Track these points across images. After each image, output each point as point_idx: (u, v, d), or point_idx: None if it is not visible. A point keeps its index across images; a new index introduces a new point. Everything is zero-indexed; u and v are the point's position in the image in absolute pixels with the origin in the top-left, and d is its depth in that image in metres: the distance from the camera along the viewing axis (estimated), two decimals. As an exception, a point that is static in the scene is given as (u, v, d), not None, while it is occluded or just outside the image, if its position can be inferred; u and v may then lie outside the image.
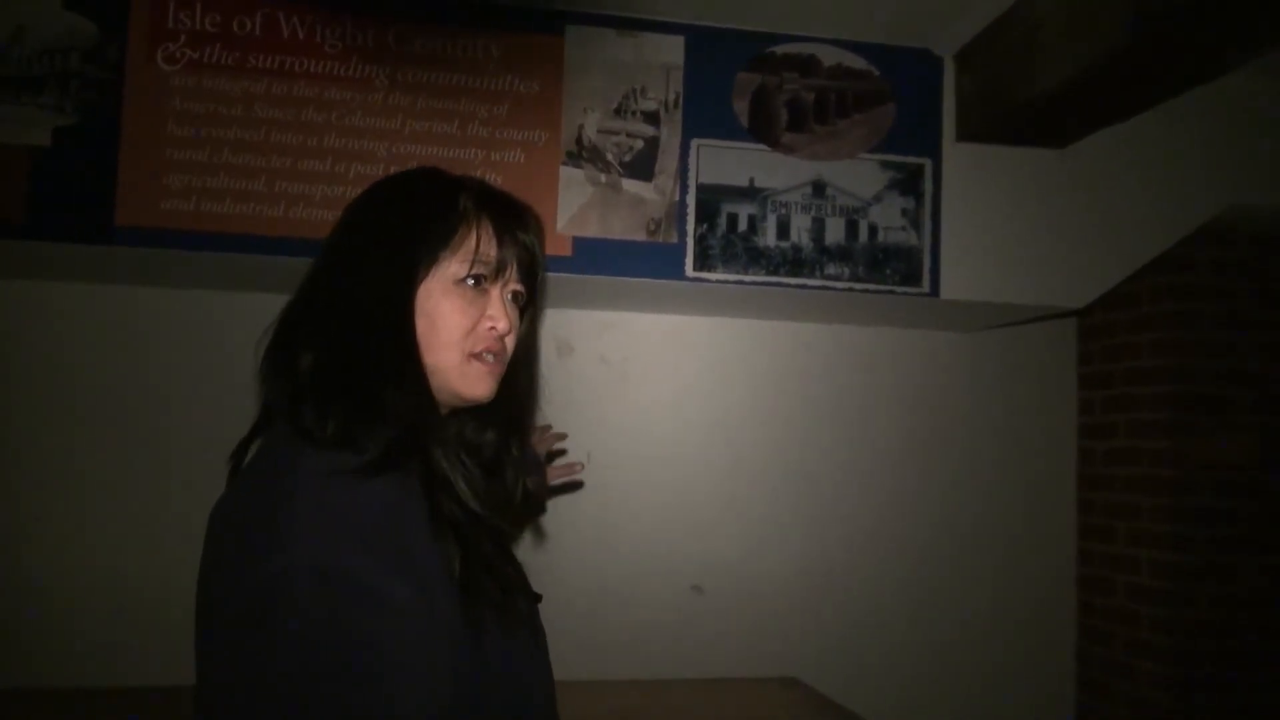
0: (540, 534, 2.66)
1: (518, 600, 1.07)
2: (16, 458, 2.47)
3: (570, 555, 2.69)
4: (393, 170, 2.13)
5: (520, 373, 1.20)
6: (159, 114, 2.11)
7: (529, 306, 1.20)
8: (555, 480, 1.86)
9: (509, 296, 1.14)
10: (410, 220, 1.09)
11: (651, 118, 2.29)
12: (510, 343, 1.14)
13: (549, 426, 1.84)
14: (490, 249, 1.10)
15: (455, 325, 1.08)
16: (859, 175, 2.36)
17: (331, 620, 0.87)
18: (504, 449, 1.18)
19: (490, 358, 1.11)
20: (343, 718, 0.86)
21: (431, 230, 1.08)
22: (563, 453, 2.13)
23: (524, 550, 2.58)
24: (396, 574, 0.91)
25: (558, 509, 2.70)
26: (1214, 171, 2.48)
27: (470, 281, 1.09)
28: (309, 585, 0.87)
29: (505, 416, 1.18)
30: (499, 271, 1.11)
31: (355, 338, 1.04)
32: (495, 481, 1.17)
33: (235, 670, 0.89)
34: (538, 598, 1.13)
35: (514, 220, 1.14)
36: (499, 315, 1.10)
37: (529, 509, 1.16)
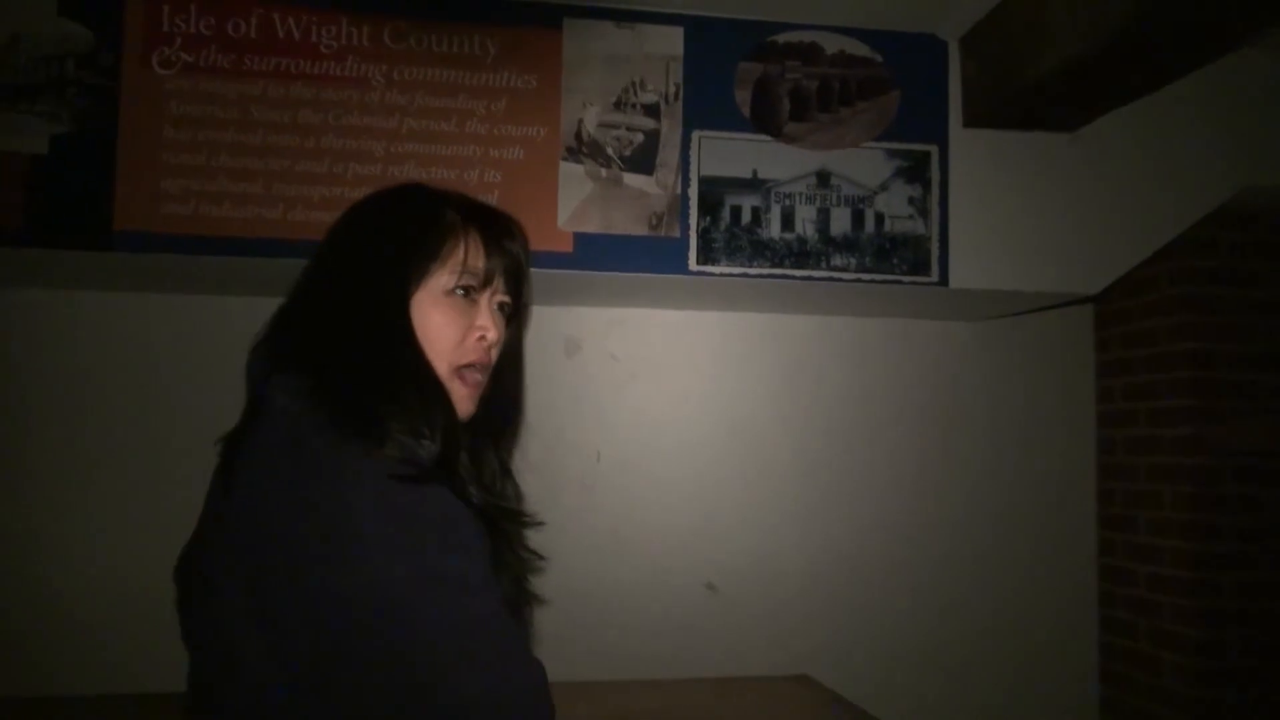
0: (551, 533, 2.64)
1: (529, 581, 1.14)
2: (18, 465, 2.48)
3: (582, 554, 2.67)
4: (389, 171, 2.16)
5: (506, 378, 1.22)
6: (155, 119, 2.10)
7: (515, 315, 1.22)
8: None
9: (496, 306, 1.16)
10: (399, 234, 1.11)
11: (651, 110, 2.26)
12: (495, 353, 1.16)
13: None
14: (478, 260, 1.12)
15: (445, 336, 1.09)
16: (864, 164, 2.32)
17: (443, 614, 0.90)
18: (484, 453, 1.19)
19: (475, 377, 1.12)
20: (469, 700, 0.88)
21: (420, 243, 1.10)
22: None
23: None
24: (473, 564, 0.95)
25: (569, 508, 2.68)
26: (1229, 152, 2.41)
27: (460, 292, 1.11)
28: (405, 589, 0.89)
29: (491, 420, 1.20)
30: (487, 282, 1.13)
31: (372, 350, 1.06)
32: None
33: (314, 676, 0.91)
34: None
35: (500, 230, 1.17)
36: (488, 325, 1.12)
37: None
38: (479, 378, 1.13)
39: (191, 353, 2.52)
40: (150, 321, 2.54)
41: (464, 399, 1.11)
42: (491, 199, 2.17)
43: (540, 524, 1.19)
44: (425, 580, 0.90)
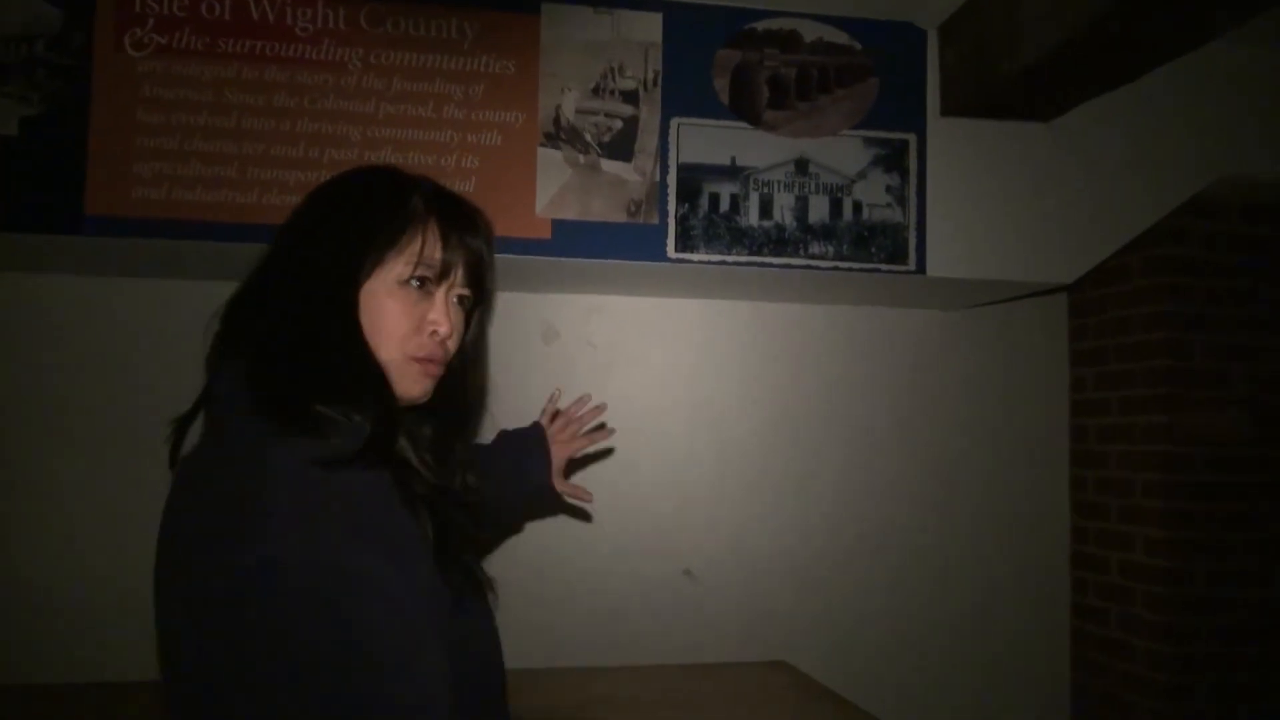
0: (528, 521, 2.64)
1: (481, 569, 1.11)
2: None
3: (559, 541, 2.66)
4: (366, 155, 2.14)
5: (468, 374, 1.21)
6: (128, 101, 2.07)
7: (476, 309, 1.20)
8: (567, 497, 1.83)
9: (454, 300, 1.14)
10: (358, 219, 1.09)
11: (630, 97, 2.25)
12: (452, 345, 1.14)
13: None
14: (435, 252, 1.10)
15: (397, 326, 1.07)
16: (842, 152, 2.33)
17: (319, 611, 0.86)
18: (447, 446, 1.17)
19: (427, 366, 1.11)
20: (338, 706, 0.86)
21: (378, 230, 1.08)
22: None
23: (513, 537, 2.56)
24: (380, 558, 0.91)
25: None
26: (1204, 142, 2.44)
27: (414, 283, 1.09)
28: (294, 576, 0.86)
29: (450, 415, 1.18)
30: (443, 274, 1.11)
31: (307, 332, 1.04)
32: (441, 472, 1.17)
33: (218, 667, 0.88)
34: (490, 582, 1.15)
35: (462, 223, 1.14)
36: (441, 319, 1.10)
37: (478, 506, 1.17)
38: (432, 367, 1.11)
39: (163, 338, 2.49)
40: (122, 306, 2.51)
41: (418, 379, 1.09)
42: (469, 185, 2.18)
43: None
44: (321, 570, 0.87)
